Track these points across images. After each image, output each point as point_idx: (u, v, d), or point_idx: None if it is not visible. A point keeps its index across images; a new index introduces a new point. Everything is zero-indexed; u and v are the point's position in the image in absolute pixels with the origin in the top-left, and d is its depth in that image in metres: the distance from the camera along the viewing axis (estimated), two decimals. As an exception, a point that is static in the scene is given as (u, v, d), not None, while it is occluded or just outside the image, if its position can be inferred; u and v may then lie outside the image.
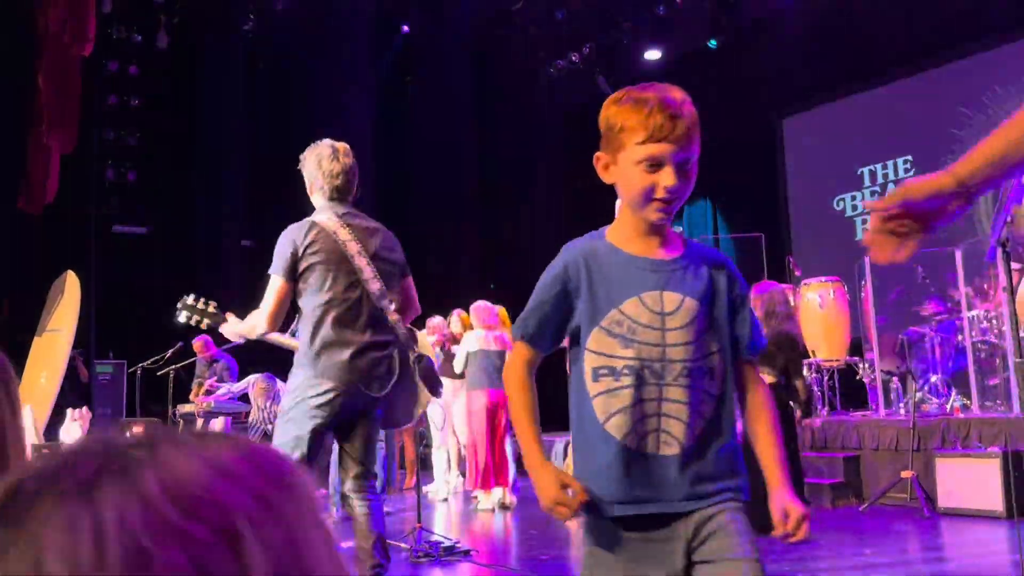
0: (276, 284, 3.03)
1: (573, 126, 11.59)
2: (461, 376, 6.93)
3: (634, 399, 1.54)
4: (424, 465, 7.99)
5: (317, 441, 2.99)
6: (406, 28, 11.63)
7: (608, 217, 4.30)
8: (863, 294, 6.97)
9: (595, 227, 4.19)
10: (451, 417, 7.39)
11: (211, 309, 3.55)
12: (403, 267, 3.23)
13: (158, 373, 8.23)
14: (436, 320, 7.31)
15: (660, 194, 1.53)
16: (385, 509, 6.21)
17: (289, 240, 3.02)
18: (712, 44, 9.69)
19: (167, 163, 10.77)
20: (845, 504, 5.84)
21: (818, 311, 7.05)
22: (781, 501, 1.54)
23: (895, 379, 6.98)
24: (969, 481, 5.21)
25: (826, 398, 7.05)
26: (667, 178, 1.52)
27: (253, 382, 7.64)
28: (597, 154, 1.61)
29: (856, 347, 7.27)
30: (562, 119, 11.69)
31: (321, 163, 3.17)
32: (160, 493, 0.41)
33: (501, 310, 7.02)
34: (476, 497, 6.77)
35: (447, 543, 4.78)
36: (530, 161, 11.53)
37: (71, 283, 7.08)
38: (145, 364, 8.43)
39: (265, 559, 0.42)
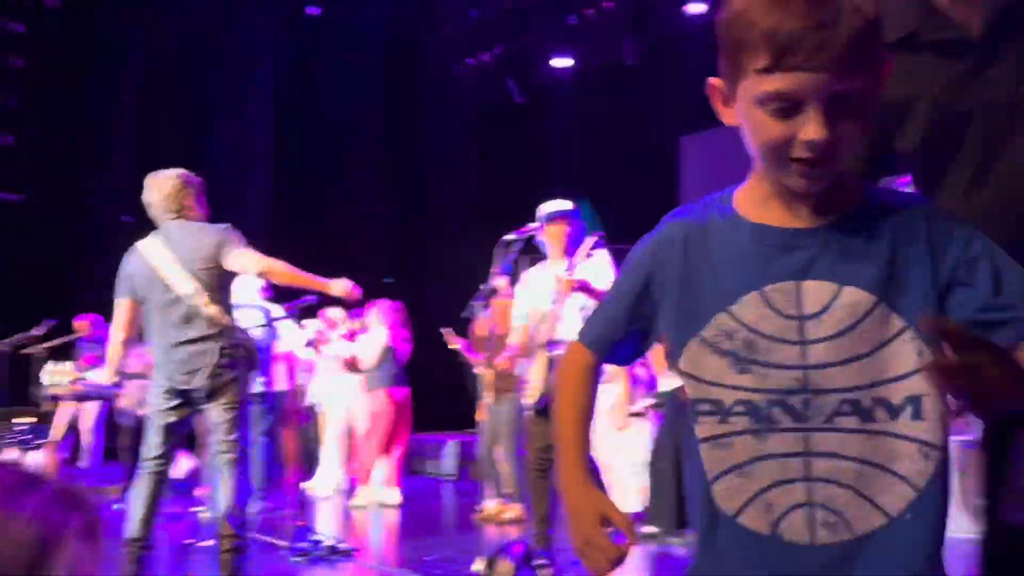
0: (117, 304, 3.65)
1: (483, 125, 11.56)
2: (361, 372, 6.81)
3: (753, 455, 0.98)
4: (308, 460, 7.80)
5: (166, 430, 3.48)
6: (316, 10, 11.34)
7: (519, 218, 4.30)
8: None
9: (499, 231, 4.18)
10: (345, 413, 7.25)
11: (68, 369, 4.23)
12: (222, 247, 3.53)
13: (22, 352, 7.73)
14: (336, 312, 7.16)
15: (798, 152, 0.93)
16: (263, 504, 6.04)
17: (120, 268, 3.66)
18: (630, 63, 9.82)
19: (50, 129, 10.15)
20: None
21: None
22: None
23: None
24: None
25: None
26: (809, 128, 0.92)
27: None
28: (711, 81, 1.04)
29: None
30: (472, 117, 11.65)
31: (146, 195, 3.69)
32: None
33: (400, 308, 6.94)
34: (358, 493, 6.68)
35: (328, 542, 4.67)
36: (438, 157, 11.45)
37: (-68, 249, 6.57)
38: (11, 340, 7.90)
39: None
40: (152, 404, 3.53)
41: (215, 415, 3.48)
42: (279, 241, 9.65)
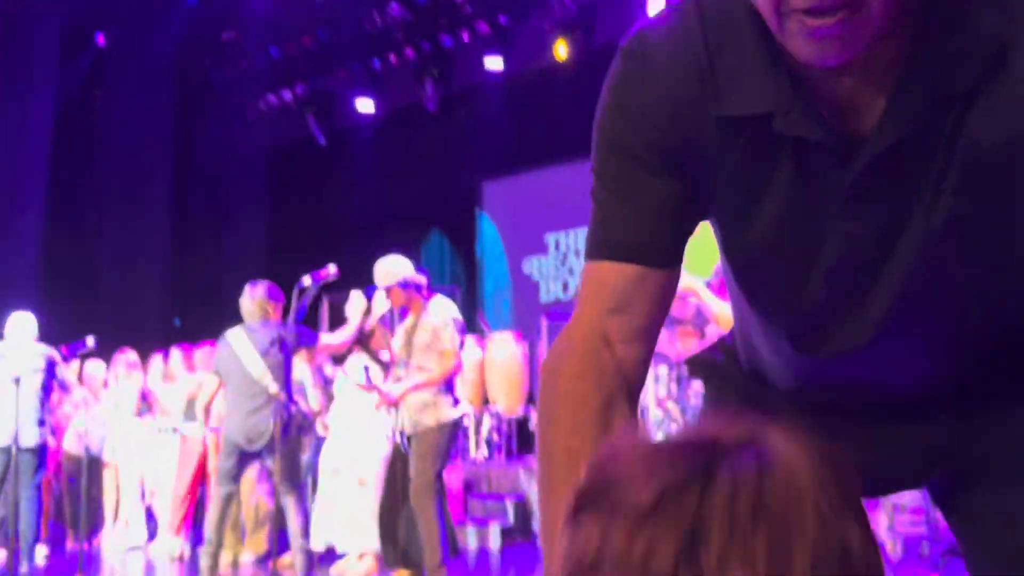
0: None
1: (279, 164, 11.41)
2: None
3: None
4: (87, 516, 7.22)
5: None
6: (101, 39, 10.78)
7: (314, 261, 4.36)
8: (539, 350, 7.60)
9: (296, 273, 4.23)
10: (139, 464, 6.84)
11: None
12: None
13: None
14: (96, 367, 6.78)
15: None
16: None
17: None
18: (431, 109, 10.05)
19: None
20: (512, 544, 6.26)
21: (501, 363, 7.57)
22: None
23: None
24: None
25: (506, 445, 7.53)
26: None
27: None
28: None
29: (532, 398, 7.87)
30: (267, 156, 11.46)
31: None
32: None
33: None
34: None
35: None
36: (229, 195, 11.12)
37: None
38: None
39: None
40: None
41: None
42: (55, 280, 9.01)
